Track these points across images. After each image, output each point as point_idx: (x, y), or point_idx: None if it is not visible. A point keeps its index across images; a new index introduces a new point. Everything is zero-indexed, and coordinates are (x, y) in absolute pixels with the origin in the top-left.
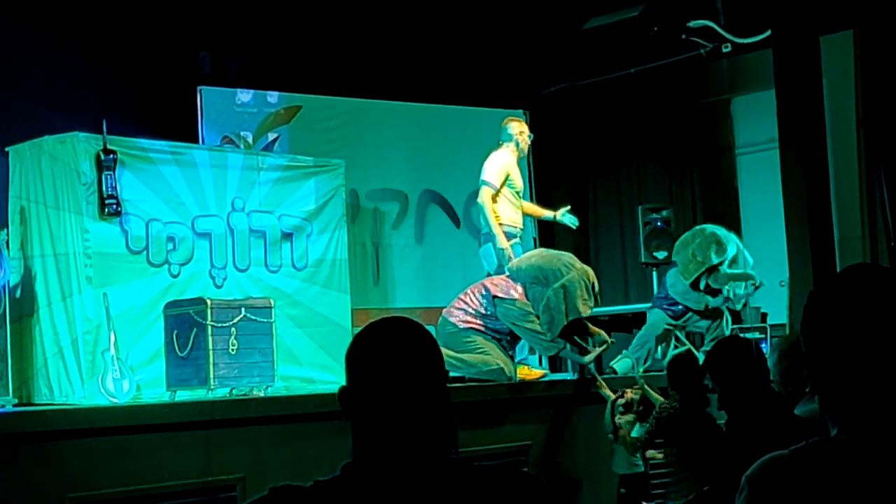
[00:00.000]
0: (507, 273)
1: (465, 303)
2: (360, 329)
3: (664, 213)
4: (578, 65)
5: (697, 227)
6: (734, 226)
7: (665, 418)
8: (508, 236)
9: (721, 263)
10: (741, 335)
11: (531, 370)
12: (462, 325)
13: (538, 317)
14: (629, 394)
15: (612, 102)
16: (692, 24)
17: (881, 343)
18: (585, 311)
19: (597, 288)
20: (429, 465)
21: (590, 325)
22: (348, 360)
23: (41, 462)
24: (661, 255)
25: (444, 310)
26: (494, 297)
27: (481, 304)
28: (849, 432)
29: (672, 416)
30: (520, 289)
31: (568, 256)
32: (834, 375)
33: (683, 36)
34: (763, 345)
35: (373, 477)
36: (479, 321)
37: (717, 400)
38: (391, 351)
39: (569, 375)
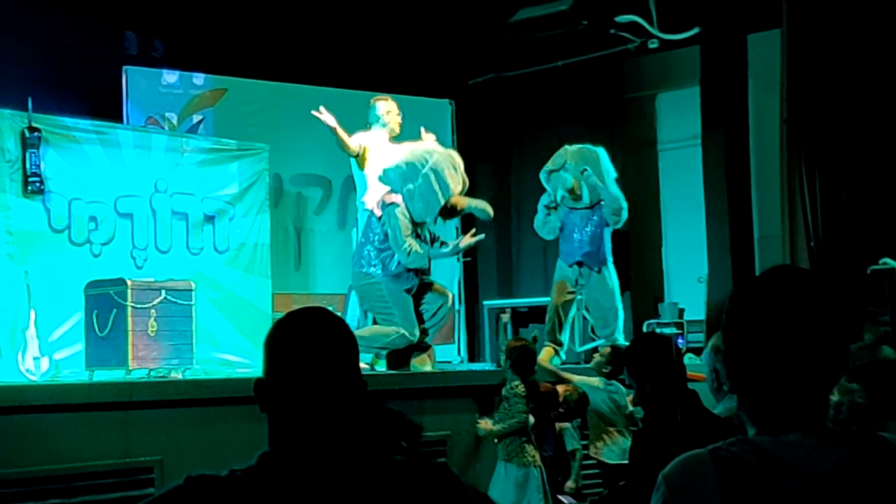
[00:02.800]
0: (380, 180)
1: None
2: (280, 314)
3: None
4: (506, 56)
5: None
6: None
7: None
8: None
9: None
10: (658, 331)
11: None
12: (373, 277)
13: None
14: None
15: (538, 94)
16: (620, 19)
17: (800, 346)
18: (457, 189)
19: (462, 167)
20: (344, 456)
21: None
22: (265, 349)
23: None
24: None
25: (353, 262)
26: (380, 214)
27: (376, 239)
28: (767, 433)
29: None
30: (397, 196)
31: (427, 143)
32: (753, 376)
33: (611, 31)
34: (679, 341)
35: (288, 467)
36: (381, 271)
37: (635, 395)
38: (307, 342)
39: (488, 366)
